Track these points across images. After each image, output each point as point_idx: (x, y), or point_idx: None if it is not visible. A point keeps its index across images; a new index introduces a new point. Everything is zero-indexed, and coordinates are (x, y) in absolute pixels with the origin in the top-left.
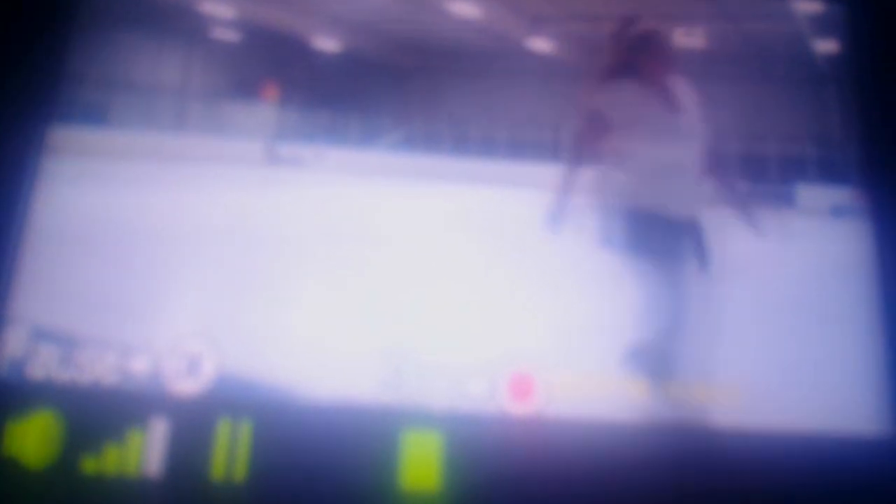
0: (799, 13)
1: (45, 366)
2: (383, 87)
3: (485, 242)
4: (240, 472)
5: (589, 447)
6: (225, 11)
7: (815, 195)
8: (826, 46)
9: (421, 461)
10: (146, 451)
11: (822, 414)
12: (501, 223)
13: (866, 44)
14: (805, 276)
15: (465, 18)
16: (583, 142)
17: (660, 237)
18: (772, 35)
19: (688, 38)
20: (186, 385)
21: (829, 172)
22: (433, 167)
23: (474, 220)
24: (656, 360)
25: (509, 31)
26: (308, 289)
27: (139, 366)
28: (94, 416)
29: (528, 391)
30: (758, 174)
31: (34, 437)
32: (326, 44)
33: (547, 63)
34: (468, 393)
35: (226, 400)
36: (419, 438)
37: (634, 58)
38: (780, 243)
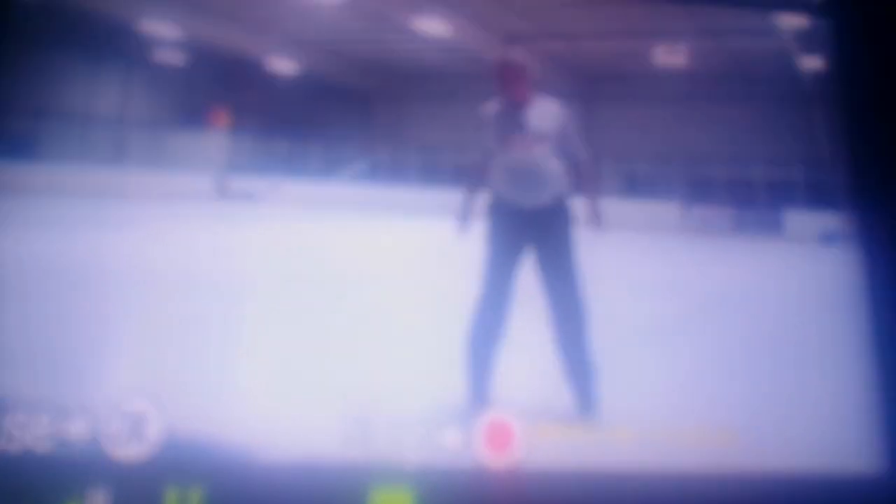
0: (784, 29)
1: None
2: (345, 112)
3: (457, 281)
4: None
5: (575, 502)
6: (169, 31)
7: (803, 221)
8: (812, 63)
9: None
10: None
11: (813, 453)
12: (476, 260)
13: (853, 60)
14: (794, 309)
15: (433, 37)
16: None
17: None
18: (756, 52)
19: (669, 56)
20: (129, 450)
21: (818, 197)
22: (401, 199)
23: (446, 258)
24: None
25: (481, 51)
26: (263, 337)
27: (75, 430)
28: (25, 488)
29: (507, 441)
30: (743, 199)
31: None
32: (282, 66)
33: None
34: (441, 444)
35: (174, 465)
36: (389, 496)
37: (496, 85)
38: (769, 274)
